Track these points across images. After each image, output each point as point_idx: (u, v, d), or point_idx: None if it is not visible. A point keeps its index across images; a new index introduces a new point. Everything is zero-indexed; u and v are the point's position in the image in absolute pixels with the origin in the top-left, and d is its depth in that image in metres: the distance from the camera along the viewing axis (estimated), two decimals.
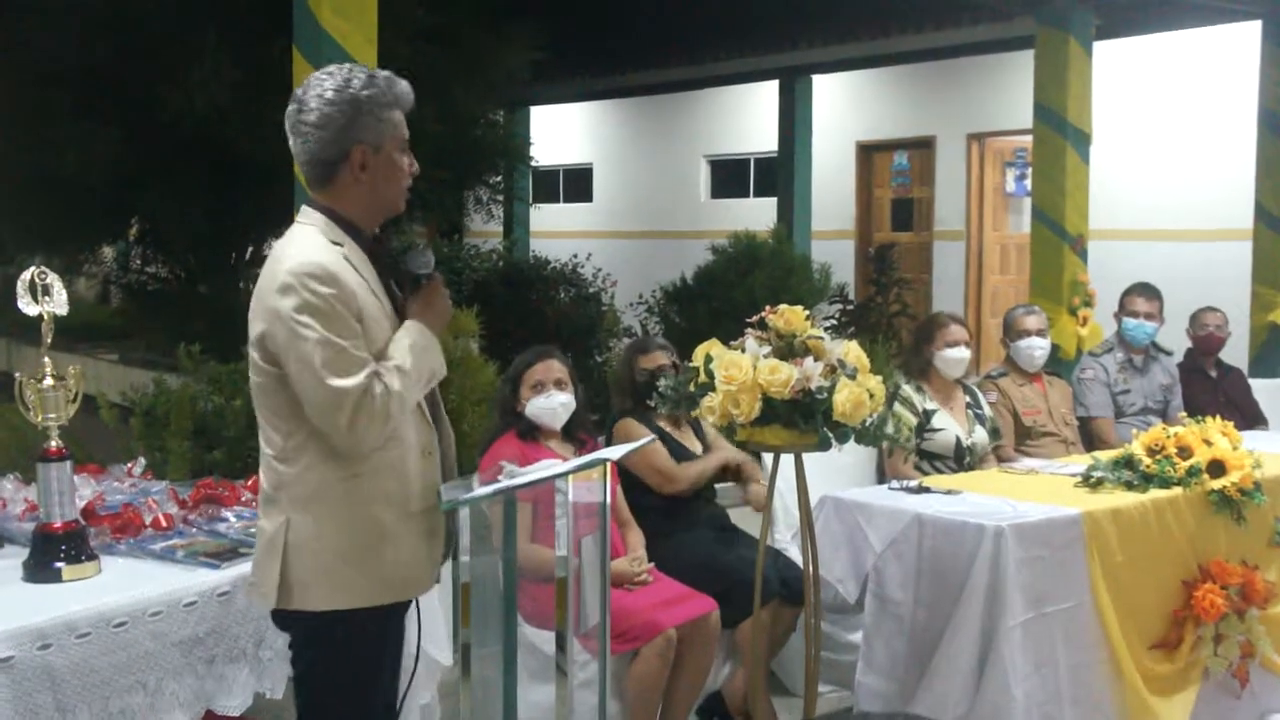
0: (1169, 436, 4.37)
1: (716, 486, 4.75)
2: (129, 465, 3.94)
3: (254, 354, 2.65)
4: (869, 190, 14.34)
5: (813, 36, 11.91)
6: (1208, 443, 4.33)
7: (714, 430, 4.50)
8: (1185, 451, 4.31)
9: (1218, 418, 4.50)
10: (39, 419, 3.12)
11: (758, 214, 13.21)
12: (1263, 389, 6.67)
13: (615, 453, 3.34)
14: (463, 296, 9.95)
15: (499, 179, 11.10)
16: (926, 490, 4.26)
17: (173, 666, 3.00)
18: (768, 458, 4.15)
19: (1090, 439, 5.78)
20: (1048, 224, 8.39)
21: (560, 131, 17.03)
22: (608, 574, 3.42)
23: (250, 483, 3.71)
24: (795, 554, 4.46)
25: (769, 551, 4.27)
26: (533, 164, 12.62)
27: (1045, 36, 8.38)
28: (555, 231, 16.63)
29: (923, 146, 13.63)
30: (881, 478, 4.94)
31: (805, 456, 3.74)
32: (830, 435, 3.55)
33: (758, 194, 15.27)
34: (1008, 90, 12.11)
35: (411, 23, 8.24)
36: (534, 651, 3.89)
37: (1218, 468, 4.28)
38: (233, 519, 3.57)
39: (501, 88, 10.08)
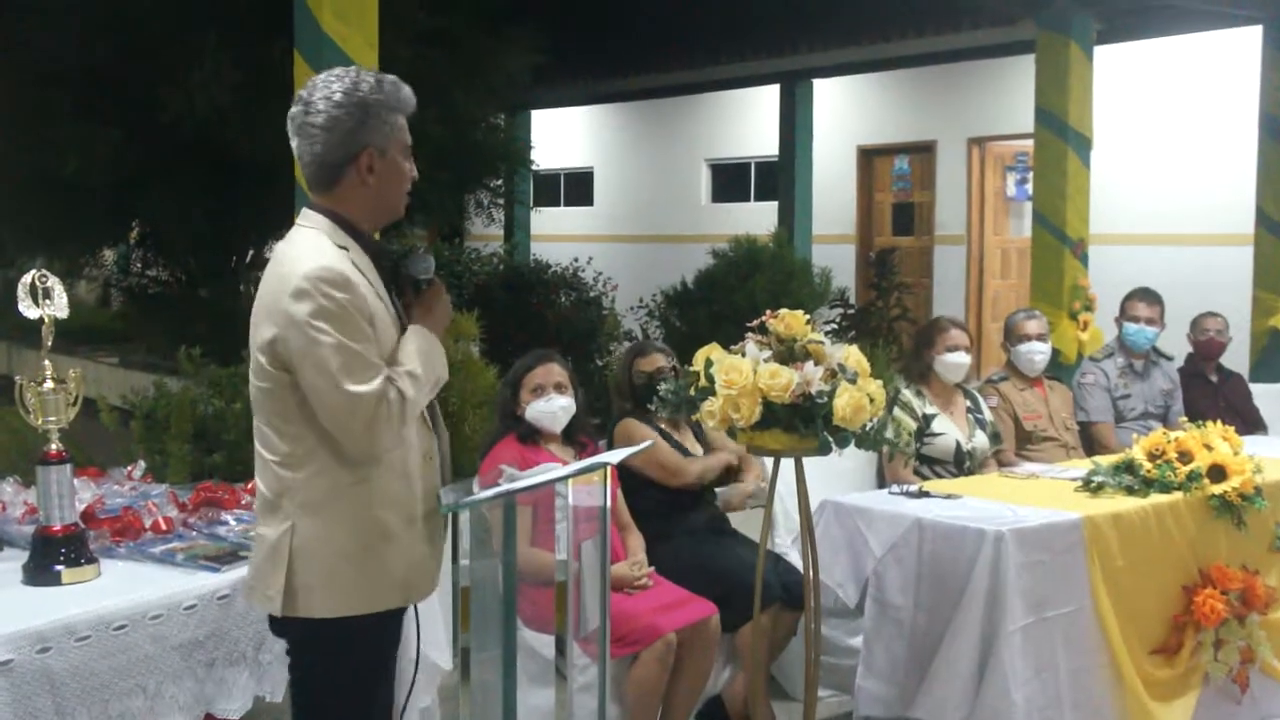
0: (1169, 441, 4.37)
1: (716, 490, 4.75)
2: (129, 468, 3.93)
3: (262, 358, 2.62)
4: (870, 194, 14.34)
5: (814, 40, 11.91)
6: (1208, 448, 4.33)
7: (715, 432, 4.51)
8: (1186, 456, 4.31)
9: (1218, 423, 4.50)
10: (39, 422, 3.12)
11: (758, 218, 13.22)
12: (1263, 394, 6.66)
13: (615, 456, 3.34)
14: (463, 300, 9.97)
15: (500, 182, 11.09)
16: (926, 495, 4.26)
17: (172, 670, 2.99)
18: (768, 462, 4.15)
19: (1091, 444, 5.77)
20: (1049, 228, 8.39)
21: (561, 135, 17.04)
22: (607, 578, 3.42)
23: (250, 486, 3.71)
24: (795, 558, 4.46)
25: (769, 556, 4.27)
26: (533, 167, 12.61)
27: (1046, 41, 8.38)
28: (556, 235, 16.63)
29: (923, 151, 13.63)
30: (881, 482, 4.94)
31: (805, 461, 3.74)
32: (830, 440, 3.55)
33: (758, 198, 15.28)
34: (1009, 94, 12.11)
35: (412, 26, 8.24)
36: (534, 655, 3.89)
37: (1218, 473, 4.28)
38: (232, 522, 3.56)
39: (502, 91, 10.07)
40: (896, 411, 4.96)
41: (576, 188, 17.92)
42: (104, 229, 10.01)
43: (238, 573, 3.14)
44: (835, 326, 10.90)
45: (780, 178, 13.65)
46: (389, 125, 2.68)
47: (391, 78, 2.72)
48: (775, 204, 13.57)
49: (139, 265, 11.04)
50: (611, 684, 3.74)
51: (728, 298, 9.50)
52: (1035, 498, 4.25)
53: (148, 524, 3.44)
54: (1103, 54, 8.87)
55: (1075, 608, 3.92)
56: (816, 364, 3.54)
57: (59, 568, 3.07)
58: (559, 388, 4.30)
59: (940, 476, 4.95)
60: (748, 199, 15.59)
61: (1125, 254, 10.96)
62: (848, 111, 14.10)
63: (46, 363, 3.12)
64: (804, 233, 13.00)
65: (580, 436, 4.41)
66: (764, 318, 3.67)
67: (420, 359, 2.67)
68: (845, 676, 4.38)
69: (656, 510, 4.55)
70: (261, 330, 2.61)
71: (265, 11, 7.58)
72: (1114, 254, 10.64)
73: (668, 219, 16.35)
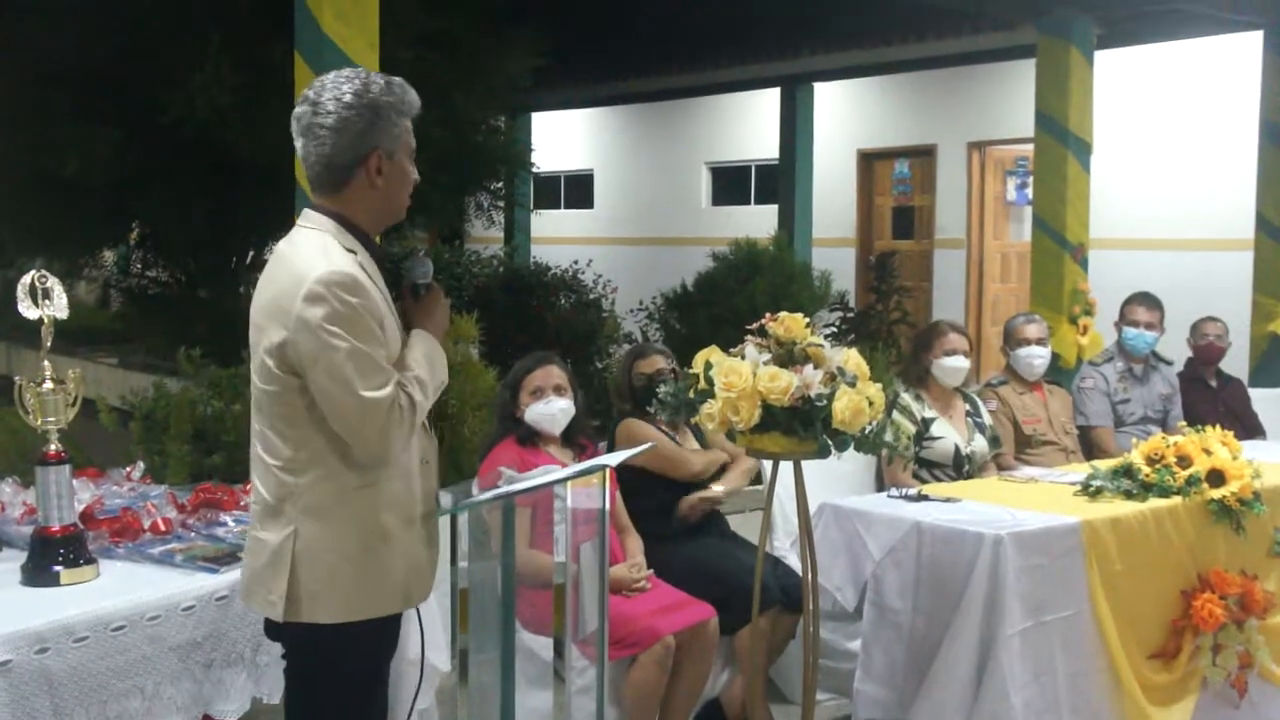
0: (1168, 446, 4.37)
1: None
2: (128, 469, 3.93)
3: (269, 362, 2.58)
4: (870, 198, 14.35)
5: (815, 44, 11.91)
6: (1207, 452, 4.33)
7: (715, 436, 4.51)
8: (1185, 461, 4.31)
9: (1217, 427, 4.50)
10: (38, 422, 3.12)
11: (758, 221, 13.21)
12: (1263, 399, 6.67)
13: (614, 459, 3.35)
14: (463, 302, 9.96)
15: (500, 185, 11.09)
16: (925, 498, 4.27)
17: (170, 671, 2.99)
18: (767, 465, 4.15)
19: (1090, 448, 5.77)
20: (1048, 233, 8.39)
21: (561, 137, 17.04)
22: (606, 580, 3.42)
23: (249, 487, 3.71)
24: (794, 561, 4.46)
25: (768, 559, 4.27)
26: (534, 170, 12.60)
27: (1047, 45, 8.38)
28: (556, 238, 16.64)
29: (924, 154, 13.64)
30: (880, 485, 4.94)
31: (804, 464, 3.74)
32: (829, 443, 3.55)
33: (759, 201, 15.28)
34: (1009, 99, 12.12)
35: (413, 28, 8.24)
36: (532, 657, 3.89)
37: (1217, 477, 4.28)
38: (231, 523, 3.56)
39: (503, 93, 10.08)
40: (895, 415, 4.96)
41: (577, 190, 17.92)
42: (104, 229, 10.01)
43: (236, 574, 3.12)
44: (835, 330, 10.89)
45: (780, 181, 13.65)
46: (398, 128, 2.67)
47: (399, 80, 2.71)
48: (775, 207, 13.58)
49: (139, 266, 11.04)
50: (610, 686, 3.74)
51: (727, 301, 9.49)
52: (1034, 502, 4.25)
53: (146, 525, 3.44)
54: (1103, 59, 8.87)
55: (1074, 612, 3.92)
56: (816, 367, 3.54)
57: (57, 568, 3.07)
58: (558, 390, 4.31)
59: (939, 480, 4.94)
60: (748, 202, 15.60)
61: (1125, 259, 10.96)
62: (848, 115, 14.10)
63: (46, 363, 3.12)
64: (804, 236, 13.00)
65: (579, 439, 4.41)
66: (763, 321, 3.67)
67: (427, 364, 2.68)
68: (844, 680, 4.38)
69: (655, 512, 4.55)
70: (269, 333, 2.58)
71: (266, 13, 7.58)
72: (1114, 259, 10.64)
73: (668, 222, 16.35)
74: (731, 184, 15.91)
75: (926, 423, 5.05)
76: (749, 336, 3.67)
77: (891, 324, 11.52)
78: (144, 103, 8.02)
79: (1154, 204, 11.53)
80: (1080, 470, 4.67)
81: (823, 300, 10.15)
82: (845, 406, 3.47)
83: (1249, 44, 9.54)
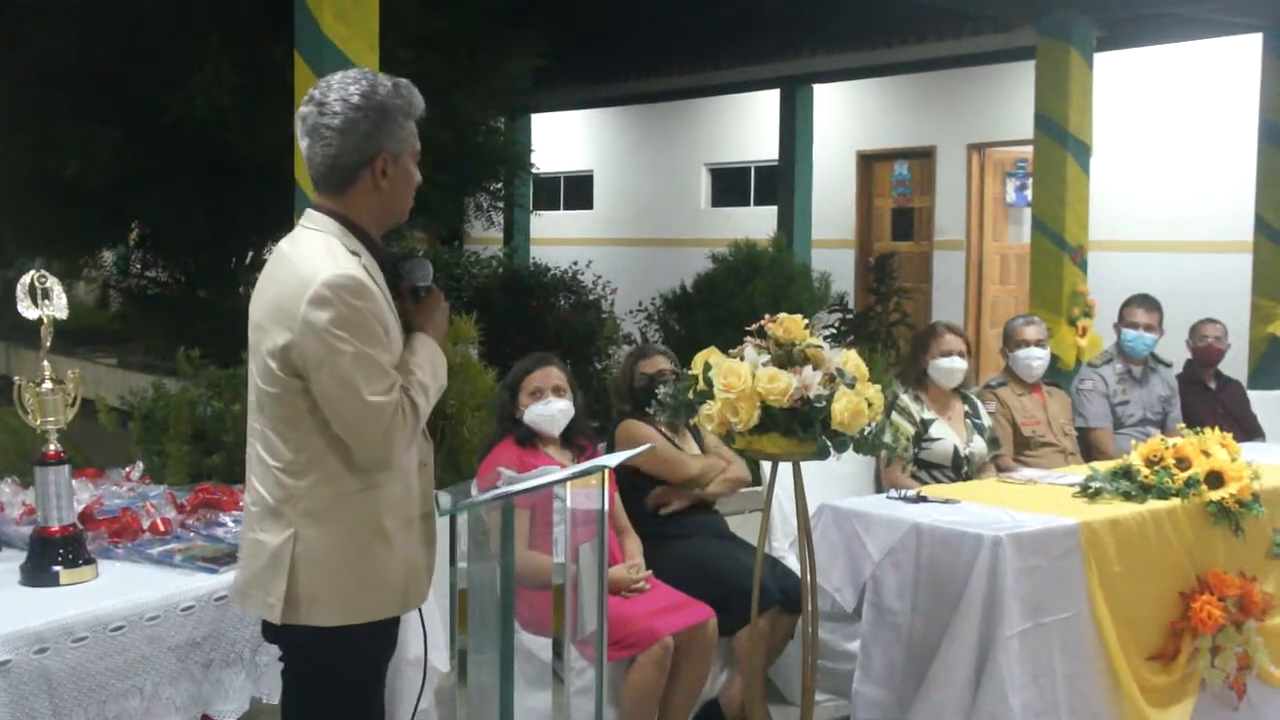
0: (1167, 448, 4.37)
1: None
2: (127, 469, 3.93)
3: (272, 364, 2.56)
4: (869, 199, 14.35)
5: (814, 46, 11.92)
6: (1206, 454, 4.33)
7: (714, 439, 4.51)
8: (1183, 463, 4.31)
9: (1216, 429, 4.50)
10: (38, 422, 3.12)
11: (758, 222, 13.21)
12: (1262, 401, 6.67)
13: (613, 459, 3.35)
14: (462, 303, 9.97)
15: (500, 185, 11.09)
16: (924, 499, 4.27)
17: (169, 671, 2.99)
18: (766, 466, 4.15)
19: (1089, 450, 5.78)
20: (1048, 234, 8.39)
21: (561, 138, 17.04)
22: (605, 581, 3.42)
23: None
24: (793, 562, 4.46)
25: (767, 559, 4.27)
26: (533, 171, 12.61)
27: (1046, 47, 8.39)
28: (555, 239, 16.64)
29: (923, 156, 13.64)
30: (879, 487, 4.94)
31: (803, 465, 3.74)
32: (828, 444, 3.55)
33: (758, 202, 15.28)
34: (1008, 101, 12.12)
35: (413, 28, 8.24)
36: (531, 658, 3.89)
37: (1216, 479, 4.28)
38: (231, 524, 3.55)
39: (503, 94, 10.08)
40: (894, 416, 4.97)
41: (576, 191, 17.92)
42: (103, 229, 10.02)
43: (235, 574, 3.14)
44: (834, 331, 10.88)
45: (780, 182, 13.65)
46: (404, 130, 2.66)
47: (405, 81, 2.69)
48: (775, 208, 13.58)
49: (138, 266, 11.05)
50: (608, 687, 3.74)
51: (727, 302, 9.49)
52: (1033, 503, 4.25)
53: (146, 525, 3.44)
54: (1103, 61, 8.87)
55: (1072, 613, 3.92)
56: (815, 368, 3.54)
57: (57, 568, 3.06)
58: (557, 391, 4.31)
59: (938, 481, 4.95)
60: (747, 203, 15.60)
61: (1124, 260, 10.97)
62: (848, 116, 14.11)
63: (45, 363, 3.12)
64: (803, 237, 13.00)
65: (579, 440, 4.41)
66: (763, 322, 3.67)
67: (429, 367, 2.67)
68: (842, 681, 4.38)
69: (654, 513, 4.55)
70: (272, 335, 2.56)
71: (266, 13, 7.58)
72: (1113, 260, 10.64)
73: (667, 223, 16.35)
74: (731, 185, 15.91)
75: (925, 424, 5.05)
76: (748, 338, 3.67)
77: (891, 325, 11.52)
78: (144, 103, 8.03)
79: (1153, 206, 11.53)
80: (1079, 472, 4.67)
81: (822, 302, 10.15)
82: (844, 408, 3.47)
83: (1248, 46, 9.54)
